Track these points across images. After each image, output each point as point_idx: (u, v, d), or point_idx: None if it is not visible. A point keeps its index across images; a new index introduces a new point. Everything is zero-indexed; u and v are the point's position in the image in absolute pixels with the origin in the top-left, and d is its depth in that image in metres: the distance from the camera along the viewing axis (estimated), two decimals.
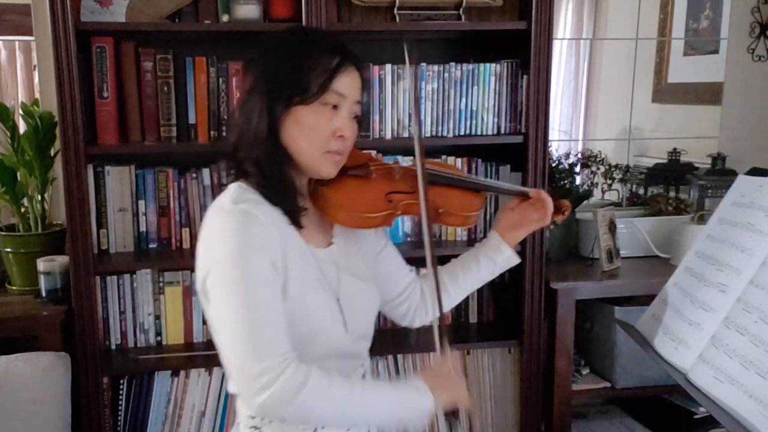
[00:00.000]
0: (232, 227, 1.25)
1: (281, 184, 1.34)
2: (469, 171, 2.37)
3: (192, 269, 2.25)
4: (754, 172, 1.44)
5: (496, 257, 1.58)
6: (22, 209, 2.30)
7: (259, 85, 1.33)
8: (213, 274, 1.25)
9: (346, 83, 1.33)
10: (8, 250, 2.27)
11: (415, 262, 2.32)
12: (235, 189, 1.33)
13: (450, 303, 1.62)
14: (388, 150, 2.30)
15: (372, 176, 1.50)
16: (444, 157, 2.36)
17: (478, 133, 2.32)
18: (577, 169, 2.76)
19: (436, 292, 1.43)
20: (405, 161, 2.31)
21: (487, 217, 2.40)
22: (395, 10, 2.28)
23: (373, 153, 2.26)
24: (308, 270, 1.35)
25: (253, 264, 1.23)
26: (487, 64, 2.30)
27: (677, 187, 2.94)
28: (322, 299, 1.35)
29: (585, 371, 2.55)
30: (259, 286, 1.23)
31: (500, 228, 1.61)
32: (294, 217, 1.34)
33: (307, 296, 1.31)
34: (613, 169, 2.86)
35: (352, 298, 1.41)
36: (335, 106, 1.33)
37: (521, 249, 2.26)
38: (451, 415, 1.38)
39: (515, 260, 1.60)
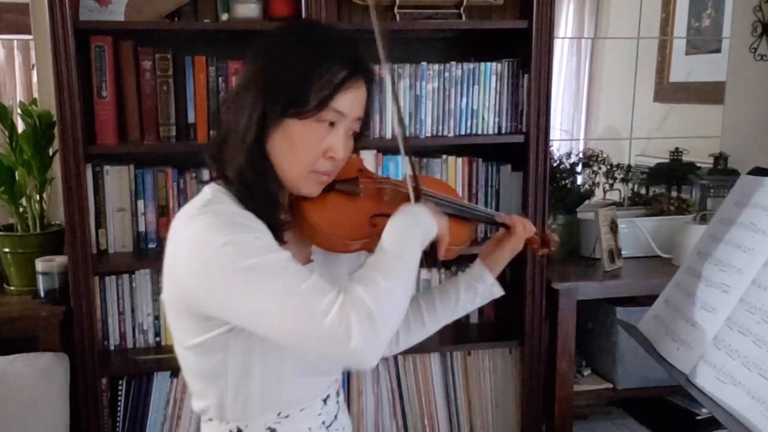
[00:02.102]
0: (210, 223, 1.12)
1: (262, 197, 1.20)
2: (470, 171, 2.37)
3: None
4: (757, 171, 1.43)
5: (477, 285, 1.47)
6: (21, 209, 2.29)
7: (256, 84, 1.18)
8: (210, 278, 1.11)
9: (349, 101, 1.20)
10: (6, 250, 2.27)
11: None
12: (212, 193, 1.21)
13: (426, 332, 1.49)
14: (388, 150, 2.30)
15: (359, 195, 1.34)
16: (444, 156, 2.35)
17: (479, 132, 2.32)
18: (579, 168, 2.76)
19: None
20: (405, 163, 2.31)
21: None
22: (396, 9, 2.27)
23: (373, 153, 2.26)
24: None
25: (253, 240, 1.11)
26: (488, 64, 2.29)
27: (679, 187, 2.93)
28: None
29: (586, 372, 2.54)
30: (272, 252, 1.12)
31: (482, 254, 1.52)
32: (276, 232, 1.20)
33: None
34: (614, 169, 2.85)
35: None
36: (332, 123, 1.20)
37: (522, 249, 2.25)
38: (429, 258, 1.24)
39: (498, 291, 1.50)
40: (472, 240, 1.50)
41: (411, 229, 1.20)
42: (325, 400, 1.33)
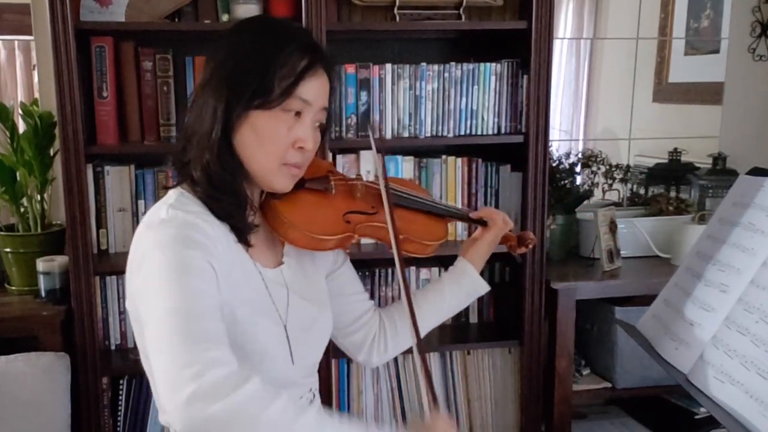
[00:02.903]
0: (166, 231, 1.09)
1: (231, 196, 1.18)
2: (470, 171, 2.37)
3: None
4: (755, 171, 1.44)
5: (461, 280, 1.46)
6: (22, 209, 2.30)
7: (216, 81, 1.17)
8: (144, 281, 1.08)
9: (314, 89, 1.19)
10: (7, 250, 2.27)
11: (415, 261, 2.32)
12: (175, 197, 1.18)
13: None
14: (388, 150, 2.30)
15: (331, 192, 1.34)
16: (444, 157, 2.36)
17: (479, 132, 2.32)
18: (578, 168, 2.76)
19: (413, 326, 1.23)
20: (404, 162, 2.32)
21: None
22: (395, 10, 2.27)
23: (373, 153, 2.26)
24: (255, 292, 1.23)
25: (189, 261, 1.06)
26: (488, 64, 2.29)
27: (678, 187, 2.94)
28: (269, 325, 1.22)
29: (585, 371, 2.55)
30: (196, 279, 1.05)
31: (462, 251, 1.51)
32: (242, 234, 1.19)
33: (252, 321, 1.18)
34: (613, 169, 2.86)
35: (301, 325, 1.28)
36: (298, 113, 1.18)
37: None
38: None
39: (482, 285, 1.48)
40: (446, 237, 1.49)
41: None
42: None
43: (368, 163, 2.27)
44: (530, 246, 1.54)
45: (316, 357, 1.36)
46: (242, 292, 1.18)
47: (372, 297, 2.05)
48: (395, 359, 2.38)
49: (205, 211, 1.17)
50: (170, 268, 1.05)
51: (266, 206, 1.27)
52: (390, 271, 2.39)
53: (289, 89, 1.16)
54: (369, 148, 2.23)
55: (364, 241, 2.25)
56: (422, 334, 1.41)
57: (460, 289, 1.47)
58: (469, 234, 2.03)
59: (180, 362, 0.96)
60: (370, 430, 1.06)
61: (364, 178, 1.43)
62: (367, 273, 2.35)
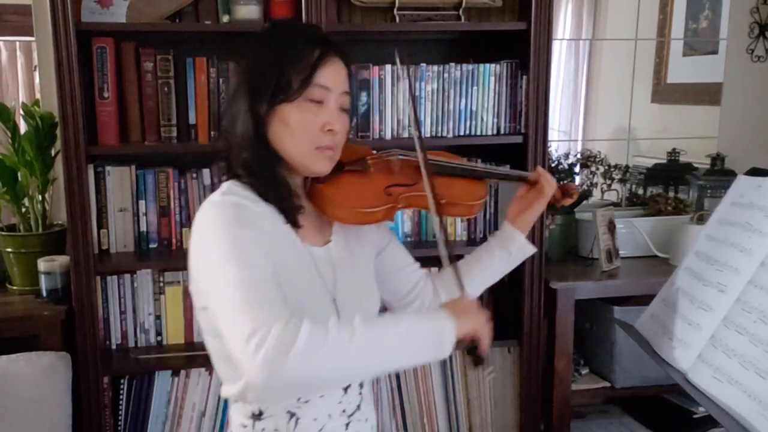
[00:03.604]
0: (221, 213, 1.21)
1: (273, 186, 1.29)
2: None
3: None
4: (754, 172, 1.44)
5: (510, 246, 1.53)
6: (23, 209, 2.30)
7: (242, 86, 1.29)
8: (204, 260, 1.20)
9: (330, 75, 1.28)
10: (9, 250, 2.28)
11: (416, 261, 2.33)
12: (227, 186, 1.30)
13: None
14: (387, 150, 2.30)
15: (370, 170, 1.45)
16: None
17: (478, 133, 2.33)
18: (577, 169, 2.77)
19: (455, 275, 1.35)
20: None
21: (487, 216, 2.41)
22: (395, 11, 2.28)
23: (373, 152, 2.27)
24: (303, 270, 1.31)
25: (243, 238, 1.18)
26: (487, 65, 2.30)
27: (676, 188, 2.94)
28: (317, 300, 1.31)
29: (584, 371, 2.55)
30: (252, 256, 1.17)
31: (510, 216, 1.57)
32: (289, 215, 1.30)
33: (301, 297, 1.26)
34: (612, 170, 2.87)
35: (350, 298, 1.37)
36: (320, 101, 1.28)
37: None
38: (477, 360, 1.29)
39: (530, 249, 1.55)
40: (486, 196, 1.57)
41: (419, 341, 1.17)
42: (346, 389, 1.36)
43: None
44: (575, 197, 1.61)
45: None
46: (290, 268, 1.27)
47: None
48: None
49: (256, 197, 1.28)
50: (227, 245, 1.16)
51: (312, 191, 1.38)
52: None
53: (307, 79, 1.25)
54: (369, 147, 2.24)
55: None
56: (476, 295, 1.51)
57: (509, 254, 1.55)
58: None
59: (246, 331, 1.07)
60: (409, 318, 1.22)
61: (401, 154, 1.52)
62: None
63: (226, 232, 1.18)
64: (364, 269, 1.46)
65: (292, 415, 1.30)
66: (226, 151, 1.33)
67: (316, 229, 1.39)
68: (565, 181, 1.62)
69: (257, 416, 1.31)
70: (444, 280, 1.55)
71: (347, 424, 1.36)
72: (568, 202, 1.61)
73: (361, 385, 1.41)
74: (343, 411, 1.35)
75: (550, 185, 1.54)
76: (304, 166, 1.31)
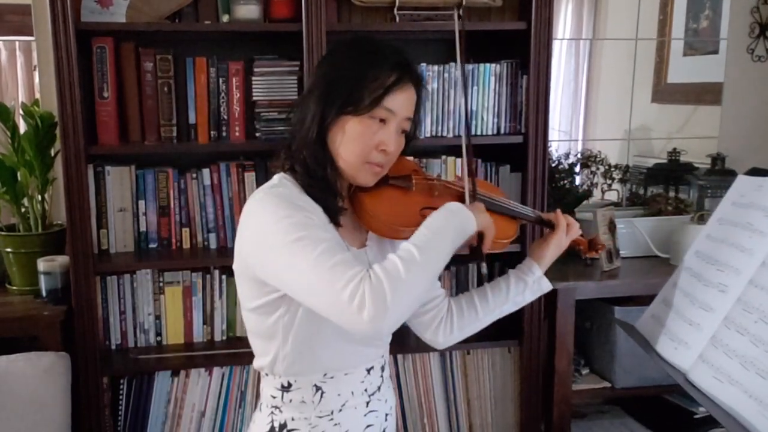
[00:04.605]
0: (276, 201, 1.30)
1: (323, 185, 1.37)
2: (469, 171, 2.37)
3: (192, 269, 2.29)
4: (754, 172, 1.44)
5: (526, 277, 1.56)
6: (23, 209, 2.30)
7: (318, 88, 1.37)
8: (269, 244, 1.27)
9: (400, 101, 1.35)
10: (8, 250, 2.27)
11: None
12: (278, 179, 1.38)
13: (479, 323, 1.58)
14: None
15: (412, 189, 1.49)
16: (444, 157, 2.36)
17: (478, 133, 2.33)
18: (577, 169, 2.77)
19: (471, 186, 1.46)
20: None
21: None
22: (395, 11, 2.28)
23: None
24: None
25: (303, 219, 1.27)
26: (487, 65, 2.30)
27: (677, 187, 2.94)
28: None
29: (585, 371, 2.55)
30: (316, 230, 1.26)
31: (531, 251, 1.61)
32: (333, 215, 1.37)
33: None
34: (612, 169, 2.87)
35: None
36: (383, 120, 1.35)
37: (521, 248, 2.27)
38: (477, 254, 1.40)
39: (547, 285, 1.59)
40: (517, 236, 1.61)
41: (442, 225, 1.30)
42: (369, 370, 1.46)
43: None
44: (600, 252, 1.67)
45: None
46: None
47: None
48: (395, 359, 2.39)
49: (303, 193, 1.36)
50: (292, 226, 1.25)
51: (354, 197, 1.44)
52: None
53: (377, 100, 1.33)
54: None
55: None
56: (487, 323, 1.59)
57: (525, 285, 1.58)
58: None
59: (343, 297, 1.18)
60: (437, 223, 1.31)
61: (444, 179, 1.59)
62: None
63: (286, 215, 1.26)
64: None
65: (318, 388, 1.40)
66: (289, 143, 1.41)
67: (354, 232, 1.46)
68: (596, 237, 1.65)
69: (286, 388, 1.40)
70: (459, 302, 1.60)
71: (367, 402, 1.45)
72: (592, 254, 1.67)
73: (382, 368, 1.51)
74: (365, 390, 1.45)
75: (570, 228, 1.58)
76: (351, 175, 1.39)
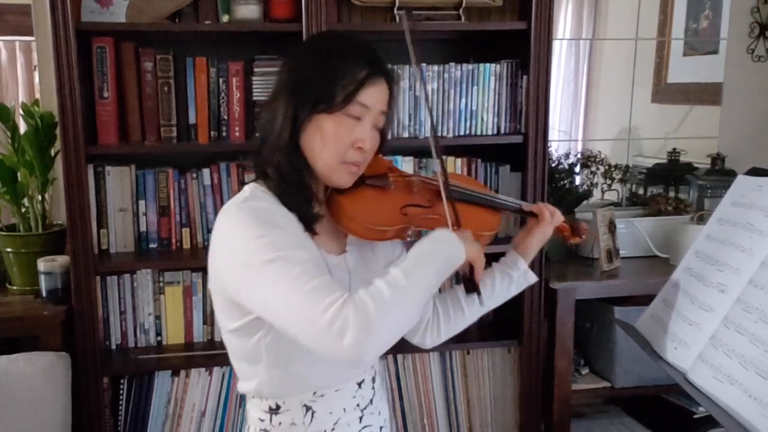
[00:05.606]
0: (249, 218, 1.23)
1: (298, 190, 1.32)
2: (469, 171, 2.38)
3: (192, 269, 2.29)
4: (754, 172, 1.44)
5: (511, 272, 1.53)
6: (23, 209, 2.30)
7: (287, 88, 1.31)
8: (242, 266, 1.22)
9: (373, 95, 1.31)
10: (9, 250, 2.27)
11: None
12: (250, 191, 1.33)
13: (465, 321, 1.55)
14: (388, 150, 2.30)
15: (390, 188, 1.46)
16: (444, 157, 2.35)
17: (478, 133, 2.33)
18: (577, 169, 2.77)
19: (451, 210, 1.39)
20: (404, 163, 2.32)
21: None
22: (395, 10, 2.28)
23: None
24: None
25: (279, 238, 1.21)
26: (487, 65, 2.30)
27: (677, 187, 2.94)
28: None
29: (584, 371, 2.55)
30: (293, 251, 1.20)
31: (514, 242, 1.59)
32: (309, 223, 1.32)
33: None
34: (612, 169, 2.86)
35: None
36: (358, 117, 1.30)
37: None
38: (469, 287, 1.36)
39: (531, 276, 1.56)
40: (498, 229, 1.57)
41: (430, 252, 1.25)
42: (360, 384, 1.41)
43: None
44: (584, 236, 1.61)
45: None
46: None
47: None
48: (395, 359, 2.39)
49: (277, 202, 1.30)
50: (266, 245, 1.19)
51: (331, 200, 1.39)
52: None
53: (350, 96, 1.28)
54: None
55: None
56: (474, 320, 1.57)
57: (510, 280, 1.55)
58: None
59: (322, 322, 1.12)
60: (425, 249, 1.26)
61: (422, 174, 1.53)
62: None
63: (259, 235, 1.20)
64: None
65: (308, 408, 1.35)
66: (260, 147, 1.36)
67: (332, 238, 1.40)
68: (578, 221, 1.62)
69: (274, 410, 1.35)
70: (444, 301, 1.56)
71: (361, 417, 1.40)
72: (577, 240, 1.62)
73: (373, 380, 1.46)
74: (357, 405, 1.40)
75: (554, 217, 1.54)
76: (327, 177, 1.34)
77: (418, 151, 2.38)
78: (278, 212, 1.28)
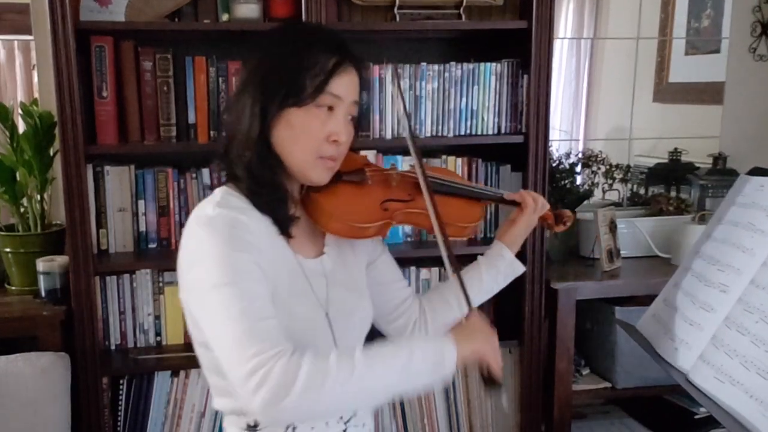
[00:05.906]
0: (216, 232, 1.18)
1: (272, 190, 1.27)
2: (470, 171, 2.37)
3: None
4: (755, 171, 1.44)
5: (498, 263, 1.50)
6: (22, 209, 2.30)
7: (252, 83, 1.25)
8: (199, 282, 1.18)
9: (344, 84, 1.25)
10: (8, 250, 2.27)
11: (415, 261, 2.32)
12: (221, 195, 1.26)
13: (454, 320, 1.47)
14: (388, 150, 2.30)
15: (368, 183, 1.41)
16: (444, 157, 2.36)
17: (479, 132, 2.32)
18: (578, 168, 2.76)
19: (461, 290, 1.31)
20: (405, 162, 2.32)
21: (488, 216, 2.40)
22: (395, 10, 2.28)
23: (373, 153, 2.27)
24: (295, 282, 1.29)
25: (240, 263, 1.15)
26: (488, 64, 2.30)
27: (678, 187, 2.94)
28: (310, 313, 1.29)
29: (585, 371, 2.55)
30: (249, 282, 1.15)
31: (499, 233, 1.56)
32: (283, 226, 1.27)
33: (293, 310, 1.24)
34: (613, 169, 2.86)
35: (343, 311, 1.35)
36: (330, 108, 1.25)
37: (522, 249, 2.26)
38: (487, 382, 1.28)
39: (519, 266, 1.53)
40: (481, 219, 1.55)
41: (418, 374, 1.17)
42: None
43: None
44: (568, 224, 1.58)
45: (358, 338, 1.41)
46: (283, 283, 1.25)
47: None
48: None
49: (249, 206, 1.25)
50: (224, 268, 1.14)
51: (307, 199, 1.34)
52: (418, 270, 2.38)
53: (320, 86, 1.23)
54: (369, 147, 2.24)
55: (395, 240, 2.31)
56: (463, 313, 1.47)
57: (497, 271, 1.52)
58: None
59: (246, 368, 1.07)
60: (410, 346, 1.18)
61: (399, 168, 1.49)
62: None
63: (221, 255, 1.15)
64: (358, 281, 1.44)
65: (288, 424, 1.29)
66: (226, 148, 1.30)
67: (309, 240, 1.36)
68: (560, 209, 1.60)
69: (253, 428, 1.29)
70: (430, 300, 1.54)
71: (344, 431, 1.34)
72: (561, 228, 1.59)
73: None
74: (340, 418, 1.34)
75: (537, 205, 1.52)
76: (303, 174, 1.29)
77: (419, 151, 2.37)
78: (249, 223, 1.21)
